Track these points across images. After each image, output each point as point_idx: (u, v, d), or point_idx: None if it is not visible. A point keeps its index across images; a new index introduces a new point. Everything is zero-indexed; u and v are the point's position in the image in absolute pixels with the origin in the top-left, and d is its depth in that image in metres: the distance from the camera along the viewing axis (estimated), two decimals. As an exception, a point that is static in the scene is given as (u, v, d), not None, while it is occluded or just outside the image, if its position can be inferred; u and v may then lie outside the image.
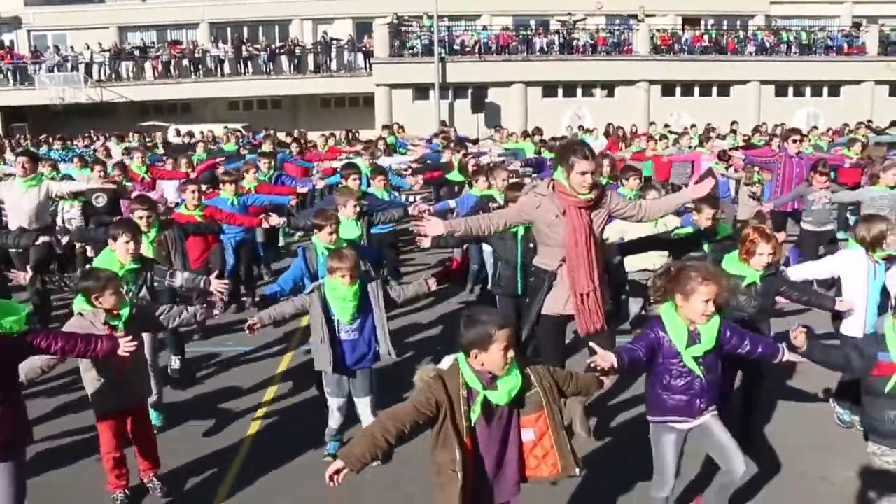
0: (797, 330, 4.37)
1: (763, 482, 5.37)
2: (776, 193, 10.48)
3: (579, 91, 31.76)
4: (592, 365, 4.09)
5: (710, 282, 4.11)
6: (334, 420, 5.87)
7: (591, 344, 4.61)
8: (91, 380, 5.12)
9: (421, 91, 31.10)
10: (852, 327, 5.91)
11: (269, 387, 7.44)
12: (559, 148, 6.02)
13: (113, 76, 34.08)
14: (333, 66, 33.86)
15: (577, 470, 3.73)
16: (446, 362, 3.63)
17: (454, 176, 13.24)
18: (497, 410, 3.55)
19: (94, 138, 24.78)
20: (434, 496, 3.60)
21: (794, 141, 10.54)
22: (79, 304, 5.25)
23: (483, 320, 3.49)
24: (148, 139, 24.20)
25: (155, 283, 6.36)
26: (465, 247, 10.10)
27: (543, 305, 5.48)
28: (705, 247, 6.71)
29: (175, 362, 7.69)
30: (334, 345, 5.58)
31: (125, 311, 5.10)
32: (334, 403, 5.80)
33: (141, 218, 7.09)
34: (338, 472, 3.28)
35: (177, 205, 11.00)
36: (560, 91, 31.79)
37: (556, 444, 3.66)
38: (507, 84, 31.03)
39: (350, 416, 5.89)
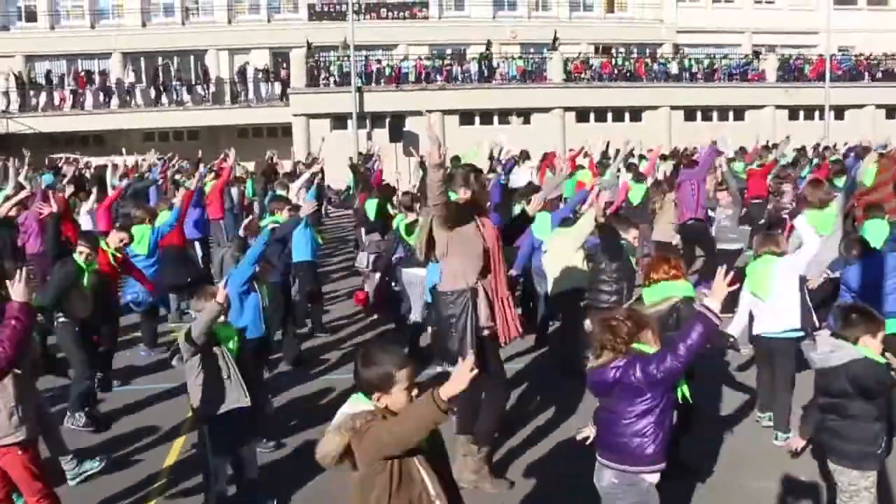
0: None
1: (685, 492, 5.53)
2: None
3: (496, 119, 32.20)
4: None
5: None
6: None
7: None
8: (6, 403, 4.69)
9: (338, 121, 31.04)
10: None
11: (183, 427, 7.16)
12: (449, 177, 5.52)
13: (21, 106, 32.91)
14: (251, 96, 33.53)
15: None
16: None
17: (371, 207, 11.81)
18: None
19: None
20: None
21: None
22: None
23: (381, 360, 3.18)
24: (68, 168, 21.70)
25: None
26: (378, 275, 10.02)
27: (478, 327, 5.39)
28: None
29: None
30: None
31: None
32: None
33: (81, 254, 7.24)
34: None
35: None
36: (477, 119, 32.19)
37: None
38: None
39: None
